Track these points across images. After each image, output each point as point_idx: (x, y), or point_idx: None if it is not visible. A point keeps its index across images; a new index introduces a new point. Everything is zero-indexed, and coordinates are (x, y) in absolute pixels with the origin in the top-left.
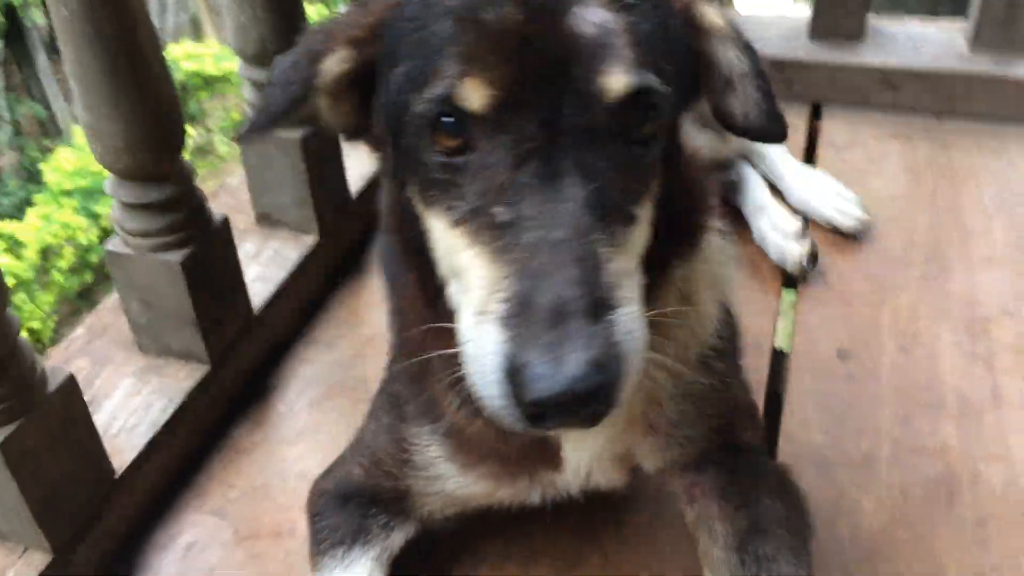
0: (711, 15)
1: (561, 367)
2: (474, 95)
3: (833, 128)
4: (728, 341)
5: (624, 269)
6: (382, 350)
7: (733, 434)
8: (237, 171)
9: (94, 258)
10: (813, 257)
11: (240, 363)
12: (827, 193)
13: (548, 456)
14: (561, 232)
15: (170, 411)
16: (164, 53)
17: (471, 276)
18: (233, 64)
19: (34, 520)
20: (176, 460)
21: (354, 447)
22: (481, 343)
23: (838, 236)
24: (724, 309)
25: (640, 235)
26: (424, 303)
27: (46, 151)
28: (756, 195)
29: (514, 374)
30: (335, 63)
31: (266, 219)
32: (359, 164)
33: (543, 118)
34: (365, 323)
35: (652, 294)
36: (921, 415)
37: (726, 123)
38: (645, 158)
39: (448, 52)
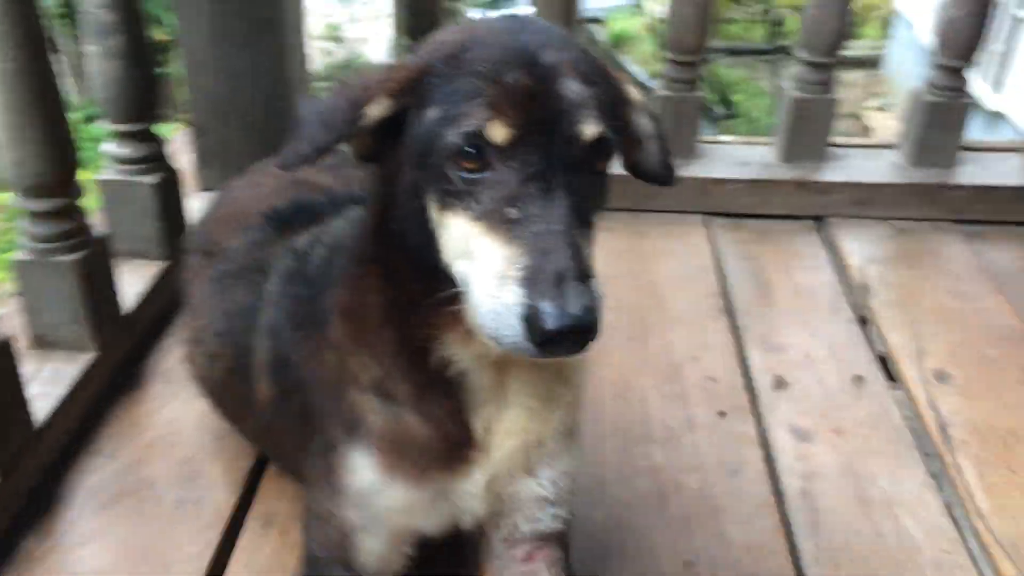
0: (634, 91)
1: (567, 310)
2: (498, 132)
3: None
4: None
5: (591, 256)
6: (164, 454)
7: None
8: (6, 303)
9: None
10: None
11: (25, 475)
12: None
13: (466, 448)
14: (558, 226)
15: None
16: None
17: (487, 254)
18: None
19: None
20: None
21: (306, 528)
22: (503, 297)
23: None
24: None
25: (594, 237)
26: (391, 292)
27: None
28: None
29: (532, 319)
30: (377, 109)
31: (42, 340)
32: (133, 283)
33: (542, 151)
34: (147, 429)
35: None
36: (636, 445)
37: (635, 172)
38: (598, 185)
39: (477, 101)
